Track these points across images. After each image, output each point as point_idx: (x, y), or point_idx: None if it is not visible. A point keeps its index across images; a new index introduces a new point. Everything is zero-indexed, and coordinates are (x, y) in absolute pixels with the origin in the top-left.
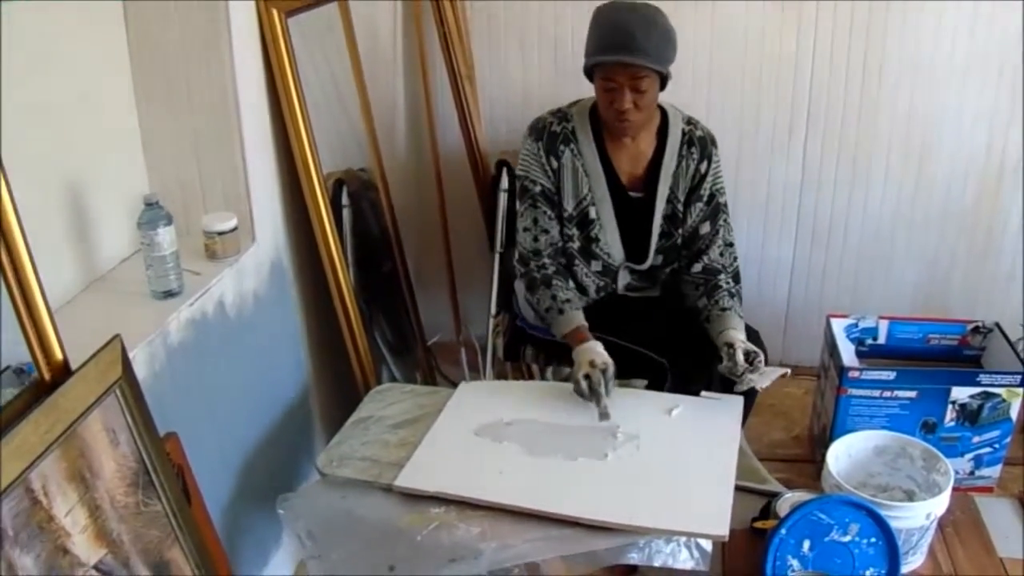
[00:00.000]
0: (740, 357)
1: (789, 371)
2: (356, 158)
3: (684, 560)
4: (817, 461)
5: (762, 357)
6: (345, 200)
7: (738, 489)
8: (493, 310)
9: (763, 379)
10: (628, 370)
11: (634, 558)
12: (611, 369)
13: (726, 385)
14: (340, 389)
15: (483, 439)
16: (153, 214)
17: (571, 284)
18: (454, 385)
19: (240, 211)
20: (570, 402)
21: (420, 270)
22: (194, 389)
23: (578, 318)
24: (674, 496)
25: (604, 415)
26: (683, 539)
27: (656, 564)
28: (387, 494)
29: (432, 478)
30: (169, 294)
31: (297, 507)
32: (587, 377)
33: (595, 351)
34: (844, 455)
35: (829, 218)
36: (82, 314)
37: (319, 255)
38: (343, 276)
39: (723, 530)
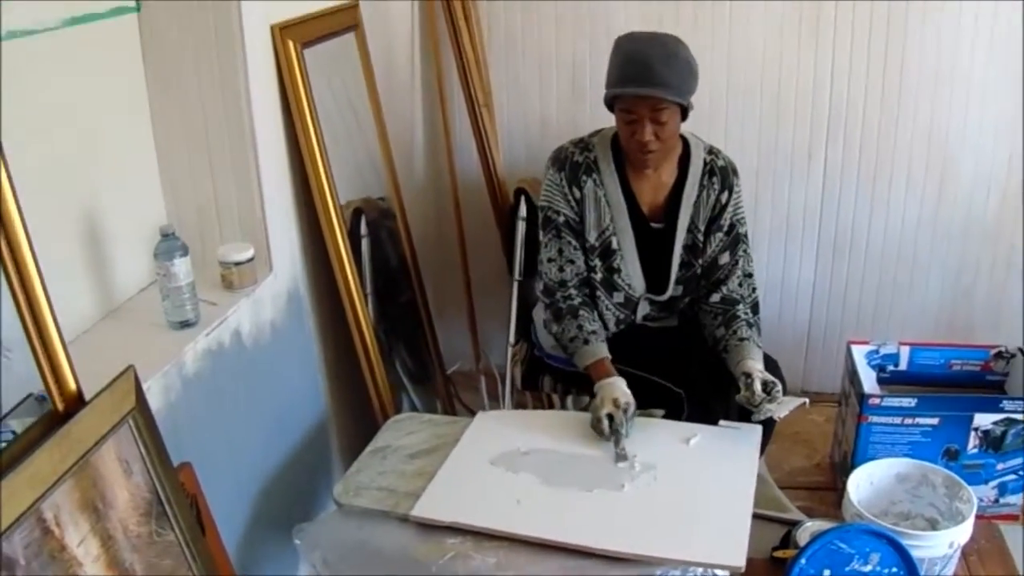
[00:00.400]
0: (758, 387)
1: (807, 401)
2: (375, 187)
3: None
4: (838, 489)
5: (780, 387)
6: (364, 230)
7: (758, 518)
8: (512, 339)
9: (781, 409)
10: (645, 400)
11: None
12: (632, 408)
13: (744, 415)
14: (358, 418)
15: (499, 469)
16: (169, 245)
17: (595, 315)
18: (473, 414)
19: (257, 241)
20: (588, 432)
21: (439, 298)
22: (210, 419)
23: (603, 350)
24: (691, 526)
25: (622, 456)
26: (700, 570)
27: None
28: (403, 524)
29: (448, 508)
30: (185, 324)
31: (313, 537)
32: (609, 417)
33: (619, 389)
34: (865, 483)
35: (850, 237)
36: (98, 344)
37: (336, 285)
38: (360, 306)
39: (740, 561)
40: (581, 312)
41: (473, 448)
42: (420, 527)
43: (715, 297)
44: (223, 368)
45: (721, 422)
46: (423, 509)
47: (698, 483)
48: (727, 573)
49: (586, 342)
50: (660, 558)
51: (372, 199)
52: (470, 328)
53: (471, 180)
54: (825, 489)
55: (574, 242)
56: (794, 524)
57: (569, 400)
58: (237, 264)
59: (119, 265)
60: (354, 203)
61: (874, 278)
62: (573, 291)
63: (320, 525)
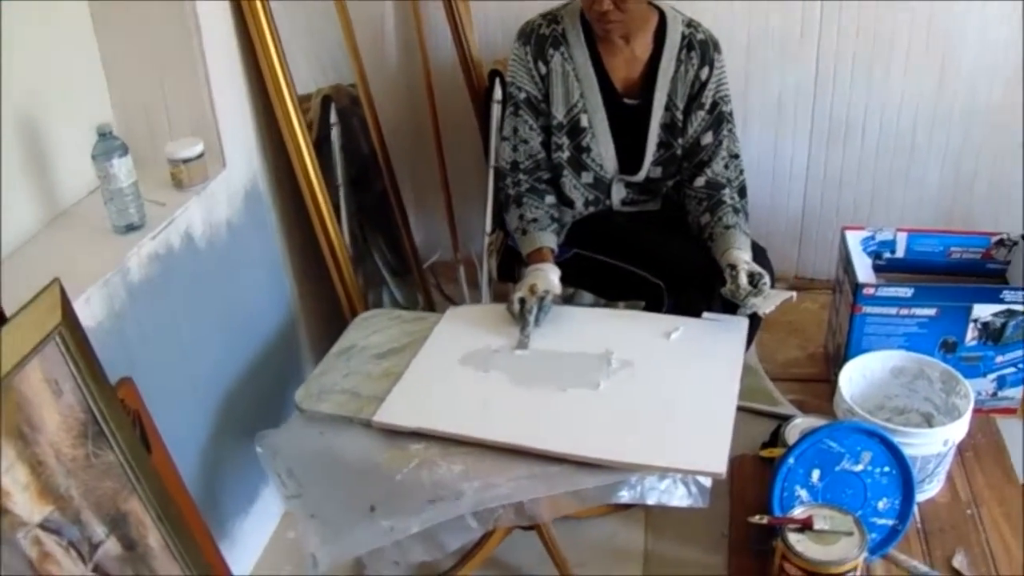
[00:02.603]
0: (743, 279)
1: (794, 295)
2: (346, 74)
3: (681, 497)
4: (832, 381)
5: (767, 279)
6: (334, 118)
7: (748, 411)
8: (488, 228)
9: (767, 303)
10: (624, 292)
11: (625, 496)
12: (550, 298)
13: (729, 308)
14: (330, 319)
15: (468, 369)
16: (107, 145)
17: (546, 201)
18: (456, 305)
19: (208, 137)
20: (563, 327)
21: (417, 187)
22: (163, 328)
23: (542, 239)
24: (669, 429)
25: (522, 344)
26: (678, 476)
27: (650, 502)
28: (367, 430)
29: (412, 413)
30: (131, 228)
31: (275, 445)
32: (521, 301)
33: (542, 276)
34: (859, 376)
35: (845, 120)
36: (38, 254)
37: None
38: (323, 199)
39: (720, 467)
40: (524, 199)
41: (441, 346)
42: (384, 433)
43: (699, 181)
44: (174, 272)
45: (704, 314)
46: (386, 415)
47: (678, 381)
48: (708, 479)
49: (524, 232)
50: (634, 464)
51: (343, 86)
52: (448, 217)
53: (445, 64)
54: (818, 381)
55: (531, 121)
56: (785, 419)
57: None
58: (186, 161)
59: (63, 169)
60: (324, 91)
61: (870, 165)
62: (522, 176)
63: (281, 432)
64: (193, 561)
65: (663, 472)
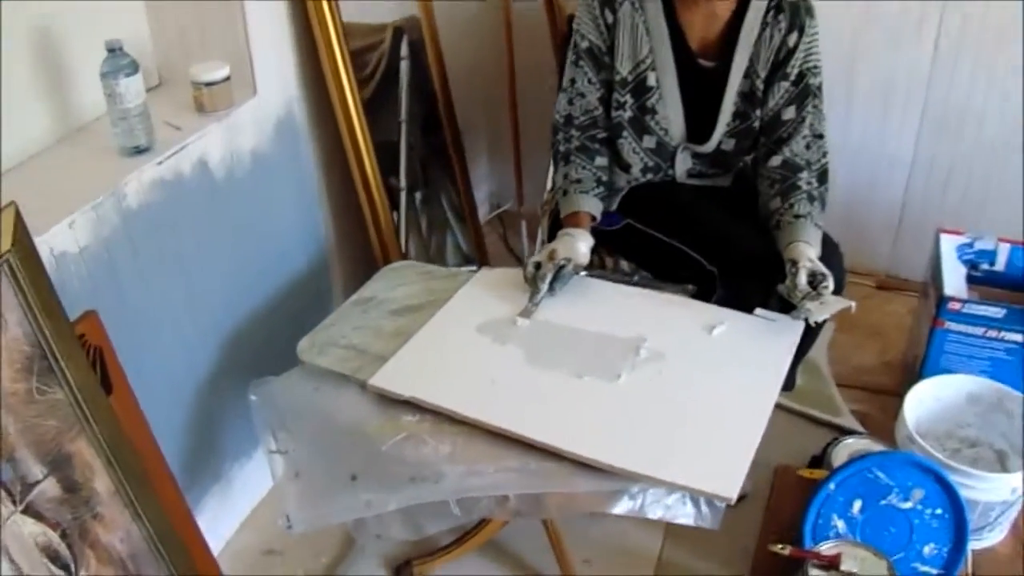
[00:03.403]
0: (803, 279)
1: (853, 305)
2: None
3: (687, 516)
4: (903, 396)
5: (829, 283)
6: (404, 51)
7: (804, 417)
8: (549, 183)
9: (822, 311)
10: (673, 272)
11: (624, 507)
12: (570, 268)
13: (786, 308)
14: (371, 263)
15: (485, 338)
16: (115, 62)
17: (595, 162)
18: (519, 260)
19: (239, 61)
20: (598, 302)
21: (490, 133)
22: (164, 260)
23: (581, 203)
24: (685, 439)
25: (527, 312)
26: (683, 494)
27: (651, 516)
28: (363, 392)
29: (411, 380)
30: (138, 150)
31: (269, 394)
32: (537, 266)
33: (569, 242)
34: (930, 398)
35: (961, 110)
36: (36, 171)
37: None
38: (362, 133)
39: (731, 493)
40: (572, 158)
41: (462, 310)
42: (380, 398)
43: (775, 160)
44: (182, 202)
45: (757, 311)
46: (383, 379)
47: (710, 384)
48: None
49: (565, 192)
50: (635, 473)
51: (417, 18)
52: (515, 167)
53: (529, 5)
54: (889, 394)
55: (591, 74)
56: (843, 432)
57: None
58: (208, 85)
59: (84, 85)
60: (397, 22)
61: (983, 162)
62: (574, 132)
63: (278, 383)
64: (146, 506)
65: (665, 487)
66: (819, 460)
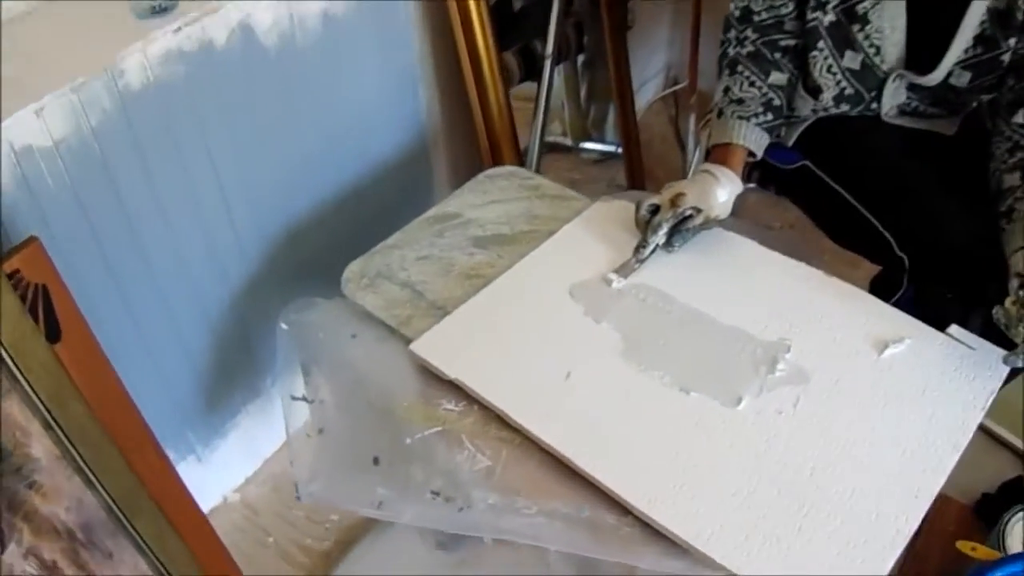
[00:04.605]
0: None
1: None
2: None
3: None
4: None
5: None
6: None
7: (989, 434)
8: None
9: None
10: (851, 241)
11: None
12: (698, 222)
13: (993, 333)
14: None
15: (575, 306)
16: None
17: (771, 79)
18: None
19: None
20: (740, 277)
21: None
22: (183, 153)
23: (738, 131)
24: (816, 518)
25: (625, 271)
26: None
27: None
28: (406, 353)
29: (462, 355)
30: (157, 11)
31: (303, 326)
32: (653, 210)
33: (704, 186)
34: None
35: None
36: (22, 34)
37: None
38: None
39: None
40: (741, 67)
41: (557, 258)
42: (424, 368)
43: (1020, 116)
44: (211, 79)
45: (952, 328)
46: (428, 345)
47: (863, 433)
48: None
49: (720, 113)
50: (708, 556)
51: None
52: (692, 32)
53: None
54: None
55: None
56: None
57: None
58: None
59: None
60: None
61: None
62: (750, 33)
63: (316, 313)
64: (104, 470)
65: None
66: (991, 503)
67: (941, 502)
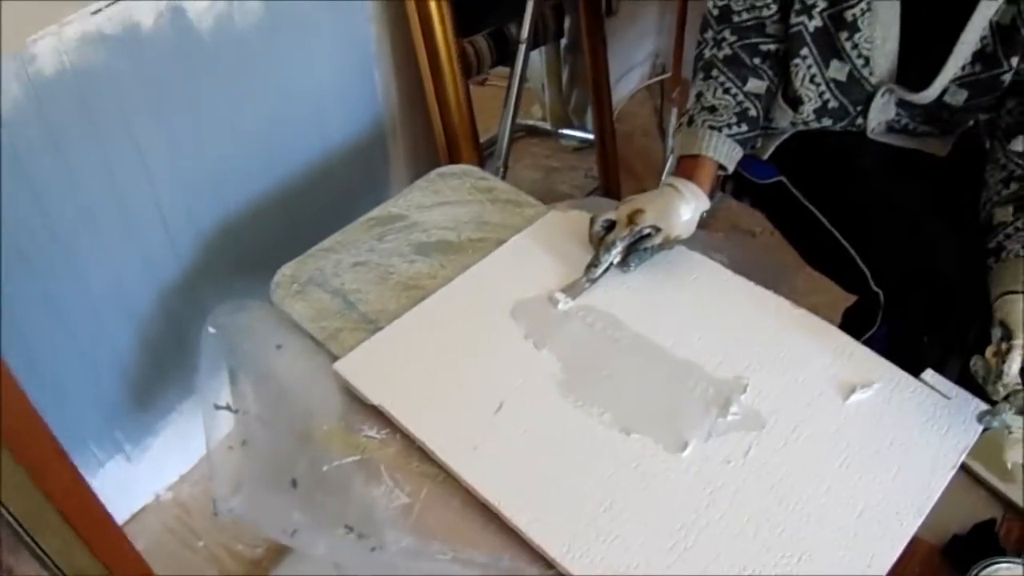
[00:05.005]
0: (1014, 368)
1: None
2: None
3: None
4: None
5: None
6: None
7: (971, 475)
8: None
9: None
10: (825, 265)
11: None
12: (657, 241)
13: (969, 383)
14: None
15: (516, 328)
16: None
17: (747, 86)
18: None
19: None
20: (691, 299)
21: None
22: (106, 146)
23: (708, 143)
24: (758, 571)
25: (573, 291)
26: None
27: None
28: (331, 371)
29: (387, 378)
30: None
31: (231, 330)
32: (608, 226)
33: (666, 201)
34: None
35: None
36: None
37: None
38: None
39: None
40: (715, 71)
41: (504, 272)
42: (347, 389)
43: (1018, 144)
44: (136, 66)
45: (927, 374)
46: (351, 365)
47: (820, 487)
48: None
49: (691, 121)
50: None
51: None
52: (679, 18)
53: None
54: None
55: None
56: (1011, 509)
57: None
58: None
59: None
60: None
61: None
62: (728, 34)
63: (242, 319)
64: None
65: None
66: (961, 545)
67: (915, 545)
